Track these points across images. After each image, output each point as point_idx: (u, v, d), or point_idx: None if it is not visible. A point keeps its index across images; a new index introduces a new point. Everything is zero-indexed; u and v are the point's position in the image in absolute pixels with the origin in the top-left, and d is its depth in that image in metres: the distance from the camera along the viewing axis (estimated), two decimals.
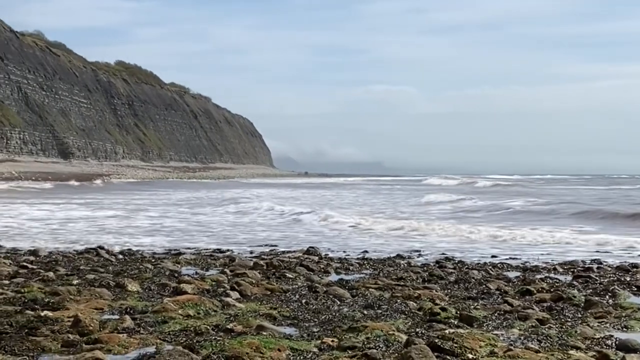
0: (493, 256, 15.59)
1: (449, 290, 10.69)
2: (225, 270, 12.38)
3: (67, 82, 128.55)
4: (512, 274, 12.70)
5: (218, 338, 7.20)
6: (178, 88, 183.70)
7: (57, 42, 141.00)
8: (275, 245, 17.56)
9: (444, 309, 8.73)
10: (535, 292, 10.40)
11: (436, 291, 10.39)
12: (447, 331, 7.45)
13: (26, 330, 7.40)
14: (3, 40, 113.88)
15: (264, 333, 7.44)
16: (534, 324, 8.14)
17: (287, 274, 11.95)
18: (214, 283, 10.75)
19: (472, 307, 9.30)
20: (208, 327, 7.64)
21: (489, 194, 51.68)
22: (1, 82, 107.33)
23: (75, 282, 10.71)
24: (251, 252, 16.17)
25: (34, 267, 12.43)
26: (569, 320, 8.55)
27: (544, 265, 14.05)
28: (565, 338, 7.48)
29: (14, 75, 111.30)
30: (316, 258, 14.73)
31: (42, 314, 8.07)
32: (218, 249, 16.56)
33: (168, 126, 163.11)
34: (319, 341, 7.23)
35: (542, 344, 7.25)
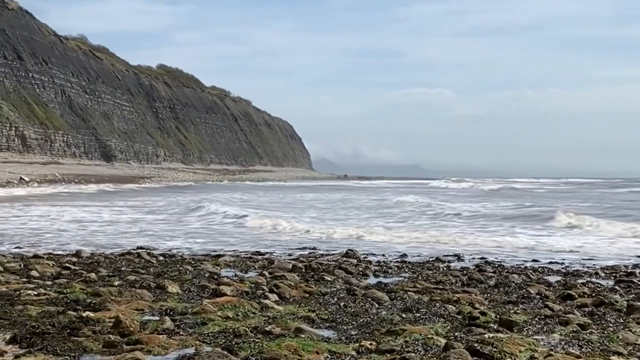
0: (534, 260, 15.42)
1: (489, 294, 10.60)
2: (264, 272, 12.43)
3: (110, 86, 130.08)
4: (553, 278, 12.56)
5: (256, 340, 7.22)
6: (218, 91, 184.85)
7: (100, 46, 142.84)
8: (314, 248, 17.56)
9: (483, 313, 8.66)
10: (576, 296, 10.27)
11: (475, 295, 10.32)
12: (486, 335, 7.40)
13: (68, 331, 7.49)
14: (47, 44, 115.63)
15: (302, 335, 7.46)
16: (575, 329, 8.05)
17: (325, 277, 11.95)
18: (252, 285, 10.79)
19: (512, 311, 9.21)
20: (247, 329, 7.68)
21: (473, 198, 51.95)
22: (45, 85, 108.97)
23: (116, 283, 10.84)
24: (290, 255, 16.20)
25: (77, 268, 12.60)
26: (611, 325, 8.43)
27: (586, 269, 13.87)
28: (607, 344, 7.38)
29: (58, 78, 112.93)
30: (355, 261, 14.72)
31: (84, 314, 8.17)
32: (257, 251, 16.62)
33: (209, 129, 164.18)
34: (357, 344, 7.22)
35: (583, 350, 7.16)
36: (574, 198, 51.39)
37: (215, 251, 16.59)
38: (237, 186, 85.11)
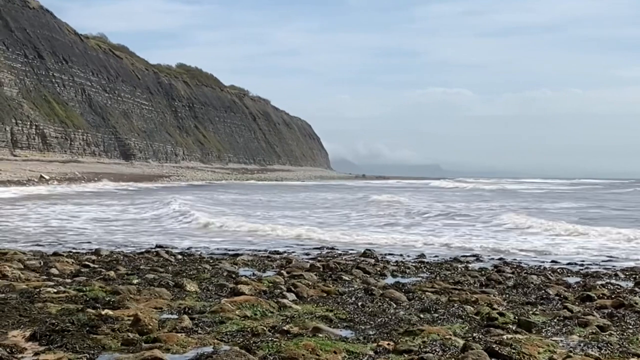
0: (553, 261, 15.35)
1: (507, 295, 10.57)
2: (282, 271, 12.44)
3: (129, 85, 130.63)
4: (572, 280, 12.50)
5: (274, 339, 7.23)
6: (237, 90, 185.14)
7: (120, 45, 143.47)
8: (333, 248, 17.56)
9: (501, 314, 8.63)
10: (595, 298, 10.21)
11: (494, 296, 10.29)
12: (504, 336, 7.38)
13: (87, 328, 7.54)
14: (67, 43, 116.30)
15: (320, 335, 7.46)
16: (594, 331, 8.00)
17: (343, 277, 11.96)
18: (270, 284, 10.81)
19: (531, 312, 9.18)
20: (265, 328, 7.69)
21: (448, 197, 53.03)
22: (65, 84, 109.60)
23: (135, 281, 10.89)
24: (307, 254, 16.21)
25: (96, 266, 12.67)
26: (631, 327, 8.37)
27: (605, 271, 13.79)
28: (627, 345, 7.33)
29: (78, 77, 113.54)
30: (372, 261, 14.71)
31: (103, 312, 8.22)
32: (276, 251, 16.65)
33: (227, 128, 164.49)
34: (375, 344, 7.22)
35: (602, 351, 7.12)
36: (548, 199, 51.36)
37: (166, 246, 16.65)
38: (246, 185, 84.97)
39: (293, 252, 16.67)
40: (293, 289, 10.29)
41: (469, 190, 76.64)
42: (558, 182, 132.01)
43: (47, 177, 62.42)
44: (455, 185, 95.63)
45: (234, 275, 11.99)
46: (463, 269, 13.78)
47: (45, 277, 11.22)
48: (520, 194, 63.30)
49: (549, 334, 7.92)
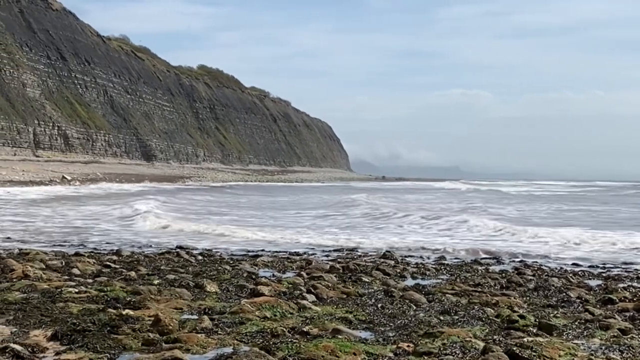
0: (574, 264, 15.25)
1: (528, 298, 10.51)
2: (302, 273, 12.45)
3: (151, 86, 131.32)
4: (593, 282, 12.41)
5: (294, 340, 7.24)
6: (258, 92, 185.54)
7: (141, 47, 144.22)
8: (354, 250, 17.55)
9: (522, 317, 8.59)
10: (617, 301, 10.14)
11: (514, 298, 10.23)
12: (525, 339, 7.34)
13: (108, 328, 7.58)
14: (90, 45, 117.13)
15: (340, 336, 7.46)
16: (615, 334, 7.94)
17: (363, 278, 11.94)
18: (290, 285, 10.82)
19: (552, 315, 9.13)
20: (284, 329, 7.70)
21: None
22: (88, 85, 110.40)
23: (156, 282, 10.94)
24: (327, 256, 16.21)
25: (117, 266, 12.74)
26: None
27: (627, 274, 13.69)
28: None
29: (100, 78, 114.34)
30: (392, 262, 14.68)
31: (124, 312, 8.26)
32: (295, 252, 16.66)
33: (248, 129, 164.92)
34: (395, 346, 7.21)
35: (624, 355, 7.07)
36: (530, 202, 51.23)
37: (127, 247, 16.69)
38: (263, 186, 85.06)
39: (313, 253, 16.67)
40: (313, 290, 10.29)
41: (462, 191, 77.80)
42: (576, 184, 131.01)
43: (69, 178, 62.86)
44: (459, 186, 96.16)
45: (254, 276, 12.01)
46: (483, 271, 13.73)
47: (66, 277, 11.30)
48: (513, 196, 63.18)
49: (570, 337, 7.87)
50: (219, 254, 15.87)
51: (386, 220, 27.89)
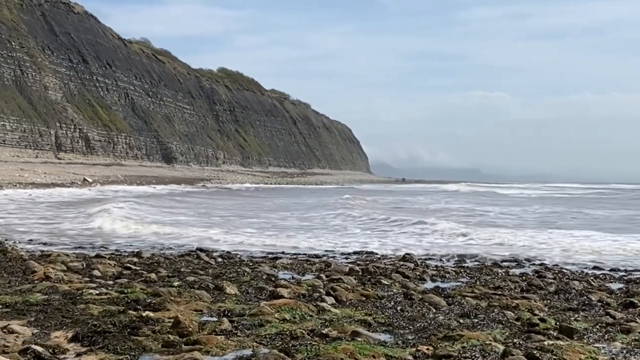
0: (595, 267, 15.14)
1: (549, 301, 10.46)
2: (321, 275, 12.46)
3: (172, 89, 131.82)
4: (614, 286, 12.33)
5: (313, 343, 7.24)
6: (278, 94, 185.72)
7: (162, 50, 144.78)
8: (372, 252, 17.53)
9: (543, 320, 8.55)
10: (639, 304, 10.06)
11: (535, 301, 10.19)
12: (545, 342, 7.31)
13: (128, 330, 7.62)
14: (111, 48, 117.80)
15: (359, 339, 7.46)
16: (637, 338, 7.89)
17: (382, 281, 11.93)
18: (309, 288, 10.83)
19: (573, 318, 9.07)
20: (303, 332, 7.71)
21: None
22: (109, 88, 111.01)
23: (175, 283, 10.98)
24: (346, 258, 16.21)
25: (137, 268, 12.80)
26: None
27: None
28: None
29: (121, 81, 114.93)
30: (412, 265, 14.65)
31: (144, 314, 8.30)
32: (315, 254, 16.67)
33: (268, 132, 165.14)
34: (414, 349, 7.20)
35: None
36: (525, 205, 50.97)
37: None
38: (282, 189, 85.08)
39: (333, 256, 16.67)
40: (332, 293, 10.29)
41: (464, 193, 78.57)
42: (589, 186, 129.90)
43: (90, 180, 63.23)
44: (459, 188, 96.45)
45: (273, 279, 12.02)
46: (503, 274, 13.67)
47: (87, 278, 11.38)
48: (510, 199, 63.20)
49: (590, 341, 7.82)
50: (238, 256, 15.90)
51: (352, 222, 27.65)
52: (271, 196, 55.90)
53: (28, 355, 6.57)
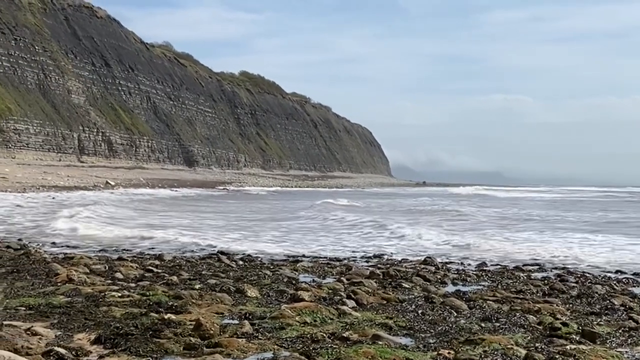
0: (618, 271, 15.02)
1: (571, 305, 10.40)
2: (342, 278, 12.46)
3: (193, 92, 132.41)
4: (637, 290, 12.23)
5: (334, 346, 7.25)
6: (299, 98, 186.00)
7: (184, 53, 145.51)
8: (392, 255, 17.50)
9: (565, 324, 8.50)
10: None
11: (557, 305, 10.13)
12: (568, 347, 7.26)
13: (150, 332, 7.66)
14: (134, 52, 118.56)
15: (380, 342, 7.45)
16: None
17: (403, 284, 11.91)
18: (330, 291, 10.83)
19: (595, 322, 9.02)
20: (324, 335, 7.71)
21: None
22: (131, 91, 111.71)
23: (197, 286, 11.02)
24: (367, 261, 16.20)
25: (159, 271, 12.87)
26: None
27: None
28: None
29: (144, 85, 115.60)
30: (433, 268, 14.62)
31: (166, 316, 8.34)
32: (335, 258, 16.67)
33: (289, 135, 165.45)
34: (435, 352, 7.18)
35: None
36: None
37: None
38: (300, 192, 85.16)
39: (353, 259, 16.66)
40: (353, 296, 10.29)
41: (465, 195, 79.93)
42: (603, 190, 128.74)
43: (112, 183, 63.64)
44: (460, 191, 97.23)
45: (294, 282, 12.04)
46: (525, 278, 13.60)
47: (110, 281, 11.45)
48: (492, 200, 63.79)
49: (613, 345, 7.77)
50: (259, 259, 15.94)
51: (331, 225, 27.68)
52: (252, 201, 55.72)
53: (51, 357, 6.63)
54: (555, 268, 15.44)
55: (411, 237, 21.74)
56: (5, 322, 7.78)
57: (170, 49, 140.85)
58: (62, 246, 17.82)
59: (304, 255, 16.89)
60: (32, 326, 7.75)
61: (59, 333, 7.71)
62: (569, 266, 15.72)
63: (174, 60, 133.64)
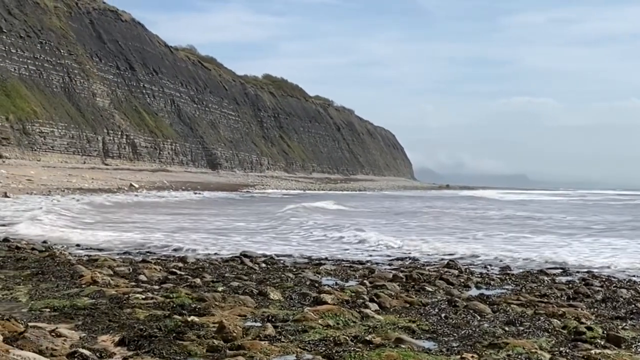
0: None
1: (596, 309, 10.31)
2: (365, 281, 12.44)
3: (217, 95, 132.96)
4: None
5: (357, 349, 7.23)
6: (322, 101, 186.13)
7: (208, 57, 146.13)
8: (416, 259, 17.45)
9: (589, 328, 8.43)
10: None
11: (582, 309, 10.05)
12: (592, 351, 7.21)
13: (174, 334, 7.69)
14: (158, 55, 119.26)
15: (403, 346, 7.43)
16: None
17: (426, 287, 11.87)
18: (353, 294, 10.82)
19: (620, 327, 8.93)
20: (347, 338, 7.70)
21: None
22: (155, 95, 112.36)
23: (220, 289, 11.05)
24: (390, 264, 16.16)
25: (182, 273, 12.91)
26: None
27: None
28: None
29: (168, 88, 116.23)
30: (456, 272, 14.55)
31: (189, 319, 8.37)
32: (358, 260, 16.65)
33: (312, 138, 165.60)
34: (459, 356, 7.15)
35: None
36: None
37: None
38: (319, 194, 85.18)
39: (376, 262, 16.64)
40: (375, 299, 10.27)
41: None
42: (622, 193, 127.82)
43: (136, 186, 63.99)
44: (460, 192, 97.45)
45: (316, 284, 12.04)
46: (549, 281, 13.51)
47: (133, 283, 11.50)
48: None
49: (639, 350, 7.69)
50: (282, 262, 15.95)
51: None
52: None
53: (75, 359, 6.67)
54: (579, 272, 15.32)
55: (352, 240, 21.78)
56: (30, 324, 7.85)
57: (194, 53, 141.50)
58: (86, 248, 17.95)
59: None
60: (56, 328, 7.81)
61: (84, 335, 7.76)
62: (595, 270, 15.59)
63: (197, 63, 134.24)
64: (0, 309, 8.83)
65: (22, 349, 6.55)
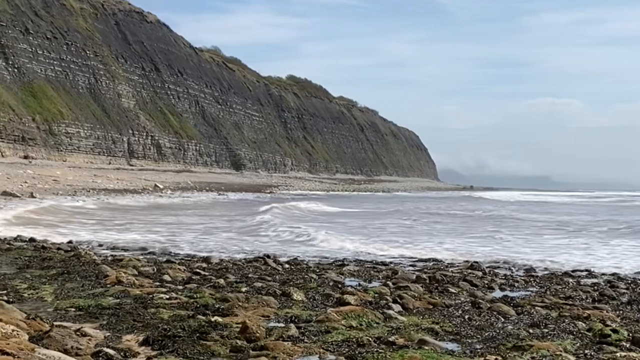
0: None
1: (621, 312, 10.22)
2: (388, 282, 12.42)
3: (241, 96, 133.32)
4: None
5: (380, 350, 7.23)
6: (346, 101, 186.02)
7: (232, 58, 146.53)
8: (441, 260, 17.40)
9: (615, 331, 8.36)
10: None
11: (607, 312, 9.97)
12: (618, 354, 7.15)
13: (197, 335, 7.72)
14: (183, 56, 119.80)
15: (426, 347, 7.41)
16: None
17: (450, 289, 11.83)
18: (376, 295, 10.81)
19: None
20: (370, 339, 7.69)
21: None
22: (180, 95, 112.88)
23: (243, 289, 11.08)
24: (413, 266, 16.13)
25: (206, 273, 12.96)
26: None
27: None
28: None
29: (192, 89, 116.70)
30: (480, 273, 14.49)
31: (213, 319, 8.41)
32: (382, 262, 16.62)
33: (335, 139, 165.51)
34: (482, 358, 7.12)
35: None
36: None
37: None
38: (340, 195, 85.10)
39: (399, 263, 16.61)
40: (399, 300, 10.25)
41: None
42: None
43: (161, 187, 64.29)
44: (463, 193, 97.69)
45: (340, 285, 12.04)
46: (574, 283, 13.41)
47: (158, 283, 11.56)
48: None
49: None
50: (305, 262, 15.97)
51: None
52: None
53: (100, 358, 6.72)
54: (604, 274, 15.20)
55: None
56: (55, 323, 7.91)
57: (219, 54, 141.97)
58: (111, 248, 18.07)
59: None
60: (81, 327, 7.87)
61: (108, 334, 7.81)
62: (620, 272, 15.46)
63: (222, 64, 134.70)
64: (26, 308, 8.91)
65: (47, 348, 6.60)
